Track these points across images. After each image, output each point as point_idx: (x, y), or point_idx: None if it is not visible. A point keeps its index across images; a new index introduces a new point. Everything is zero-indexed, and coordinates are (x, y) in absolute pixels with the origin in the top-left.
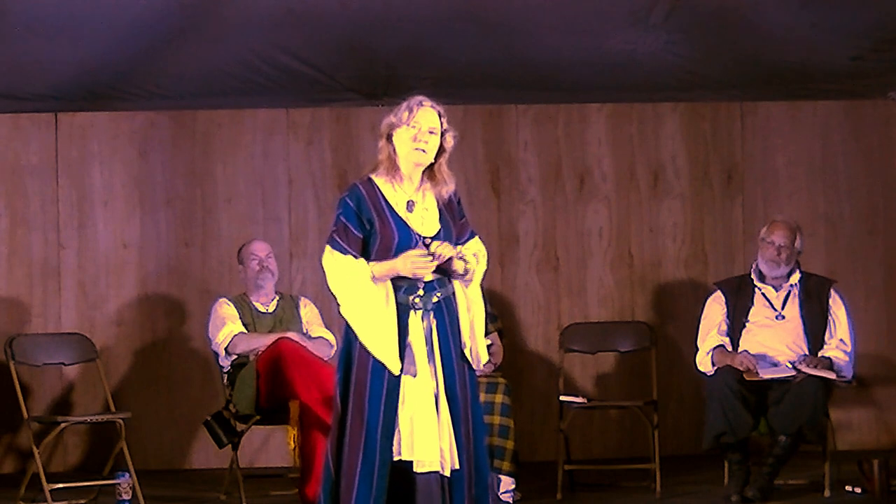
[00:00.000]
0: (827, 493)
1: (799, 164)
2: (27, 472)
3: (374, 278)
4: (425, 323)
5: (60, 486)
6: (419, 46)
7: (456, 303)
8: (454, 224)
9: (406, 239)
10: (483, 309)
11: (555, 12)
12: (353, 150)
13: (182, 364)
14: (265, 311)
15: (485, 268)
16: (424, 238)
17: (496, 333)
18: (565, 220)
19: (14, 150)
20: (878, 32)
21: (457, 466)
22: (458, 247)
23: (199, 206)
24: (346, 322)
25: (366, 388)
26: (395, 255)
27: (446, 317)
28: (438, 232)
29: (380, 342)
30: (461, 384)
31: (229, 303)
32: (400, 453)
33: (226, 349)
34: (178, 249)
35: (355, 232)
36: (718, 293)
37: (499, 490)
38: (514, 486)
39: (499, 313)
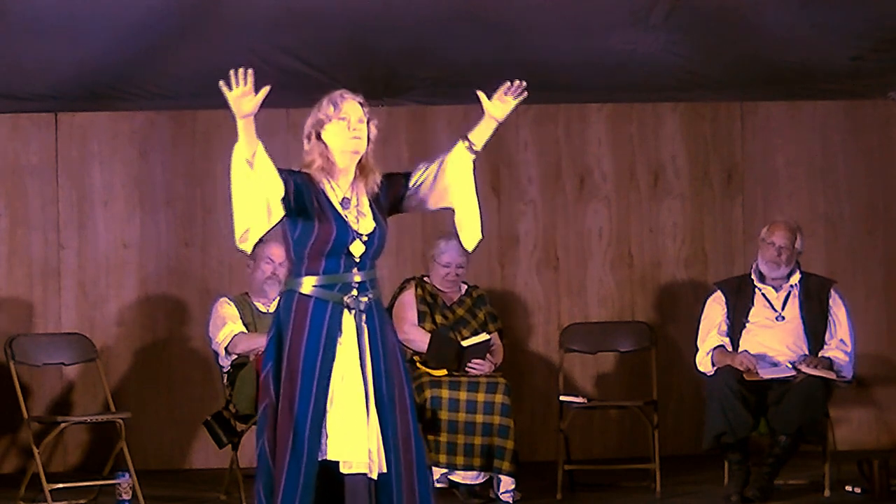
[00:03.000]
0: (827, 493)
1: (799, 164)
2: (27, 472)
3: (249, 161)
4: (357, 322)
5: (60, 486)
6: (419, 46)
7: (381, 307)
8: (385, 215)
9: (343, 234)
10: None
11: (555, 12)
12: None
13: (182, 364)
14: (266, 311)
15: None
16: (361, 235)
17: (496, 333)
18: (565, 220)
19: (14, 150)
20: (878, 32)
21: (384, 470)
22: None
23: (199, 206)
24: (277, 310)
25: (296, 387)
26: (332, 248)
27: (376, 319)
28: (374, 230)
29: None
30: (396, 387)
31: (230, 302)
32: (326, 454)
33: (226, 349)
34: (178, 249)
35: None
36: (718, 293)
37: (499, 490)
38: (514, 486)
39: (499, 313)
